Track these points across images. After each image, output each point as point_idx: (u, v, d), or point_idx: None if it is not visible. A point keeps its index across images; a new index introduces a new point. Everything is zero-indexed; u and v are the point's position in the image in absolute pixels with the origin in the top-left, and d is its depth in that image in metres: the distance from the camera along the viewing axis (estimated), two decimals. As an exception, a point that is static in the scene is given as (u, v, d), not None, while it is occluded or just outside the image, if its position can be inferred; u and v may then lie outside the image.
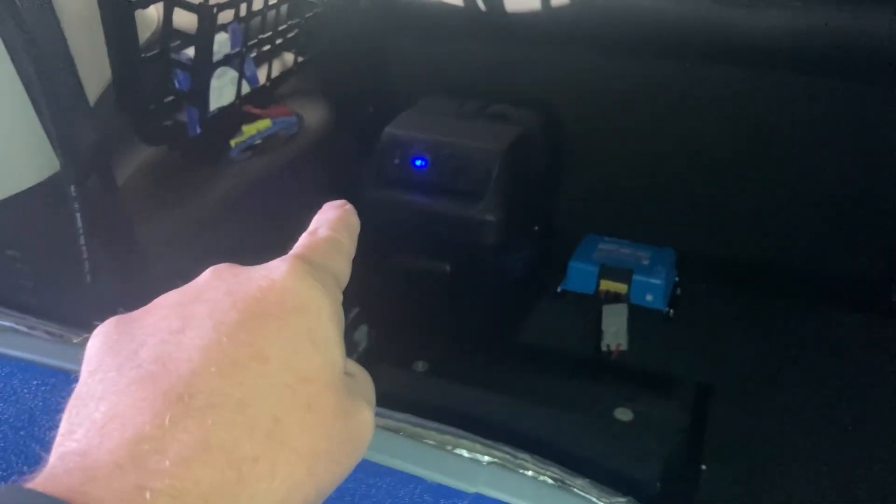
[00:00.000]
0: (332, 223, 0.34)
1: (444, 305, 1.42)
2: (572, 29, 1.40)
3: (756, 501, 1.14)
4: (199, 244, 1.09)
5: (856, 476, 1.17)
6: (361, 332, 1.44)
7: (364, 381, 0.33)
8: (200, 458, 0.23)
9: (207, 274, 0.30)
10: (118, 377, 0.25)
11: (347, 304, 1.13)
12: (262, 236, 1.26)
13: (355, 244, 0.35)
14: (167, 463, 0.23)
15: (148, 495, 0.22)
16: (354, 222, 0.35)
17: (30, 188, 0.77)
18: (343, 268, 0.33)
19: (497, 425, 1.24)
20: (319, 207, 0.35)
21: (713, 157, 1.47)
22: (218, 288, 0.28)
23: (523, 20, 1.39)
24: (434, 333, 1.44)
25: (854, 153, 1.39)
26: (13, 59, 0.69)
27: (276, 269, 0.29)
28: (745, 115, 1.43)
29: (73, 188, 0.76)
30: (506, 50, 1.50)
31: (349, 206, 0.36)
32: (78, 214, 0.77)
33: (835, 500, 1.14)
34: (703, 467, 1.18)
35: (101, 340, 0.27)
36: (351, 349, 1.22)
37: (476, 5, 1.40)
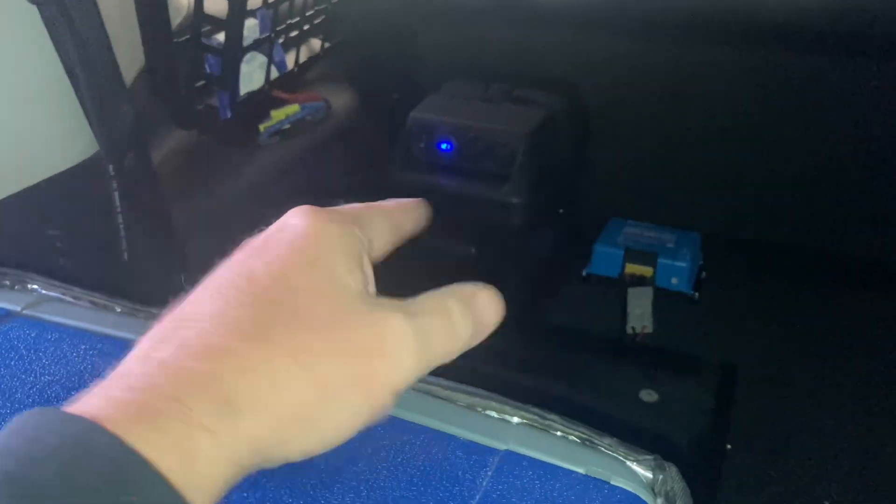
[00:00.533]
0: (387, 201, 0.36)
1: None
2: (597, 12, 1.40)
3: (781, 481, 1.15)
4: (229, 225, 1.11)
5: (881, 456, 1.17)
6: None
7: (421, 301, 0.31)
8: (174, 357, 0.26)
9: None
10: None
11: (375, 287, 1.14)
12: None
13: (410, 220, 0.36)
14: (145, 369, 0.26)
15: (128, 394, 0.25)
16: (414, 205, 0.37)
17: (70, 168, 0.80)
18: (375, 221, 0.33)
19: (522, 405, 1.26)
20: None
21: (738, 140, 1.47)
22: (242, 246, 0.31)
23: (548, 4, 1.40)
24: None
25: (883, 132, 1.39)
26: (55, 44, 0.72)
27: (287, 213, 0.32)
28: (771, 97, 1.43)
29: (111, 168, 0.78)
30: (531, 34, 1.50)
31: (417, 201, 0.38)
32: (116, 193, 0.79)
33: (860, 480, 1.14)
34: (728, 447, 1.19)
35: None
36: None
37: (500, -10, 1.42)
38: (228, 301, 0.27)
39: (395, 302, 0.30)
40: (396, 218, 0.35)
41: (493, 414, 0.52)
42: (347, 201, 0.35)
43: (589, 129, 1.52)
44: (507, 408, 0.52)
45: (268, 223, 0.33)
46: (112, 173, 0.79)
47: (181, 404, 0.25)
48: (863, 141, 1.40)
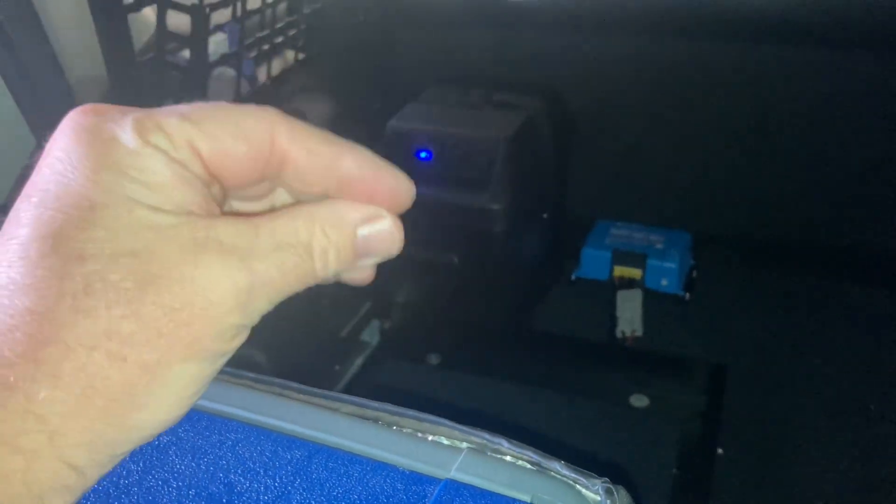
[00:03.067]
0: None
1: (456, 297, 1.42)
2: (575, 13, 1.38)
3: (773, 485, 1.13)
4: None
5: (876, 457, 1.15)
6: (372, 328, 1.44)
7: (262, 232, 0.24)
8: None
9: None
10: None
11: (357, 299, 1.13)
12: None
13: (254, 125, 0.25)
14: None
15: None
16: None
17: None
18: (204, 120, 0.24)
19: (512, 415, 1.24)
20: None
21: (725, 136, 1.45)
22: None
23: (526, 6, 1.38)
24: (446, 325, 1.44)
25: (870, 125, 1.36)
26: (5, 80, 0.70)
27: (57, 133, 0.24)
28: (756, 91, 1.41)
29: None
30: (510, 37, 1.49)
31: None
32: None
33: (855, 482, 1.12)
34: (720, 451, 1.17)
35: None
36: (361, 348, 1.22)
37: (477, -6, 1.40)
38: (16, 281, 0.21)
39: (226, 237, 0.23)
40: (243, 116, 0.25)
41: (442, 440, 0.50)
42: None
43: (572, 131, 1.50)
44: (455, 433, 0.50)
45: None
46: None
47: None
48: (855, 136, 1.38)
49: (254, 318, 0.24)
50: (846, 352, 1.32)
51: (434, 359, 1.38)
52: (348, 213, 0.26)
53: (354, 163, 0.27)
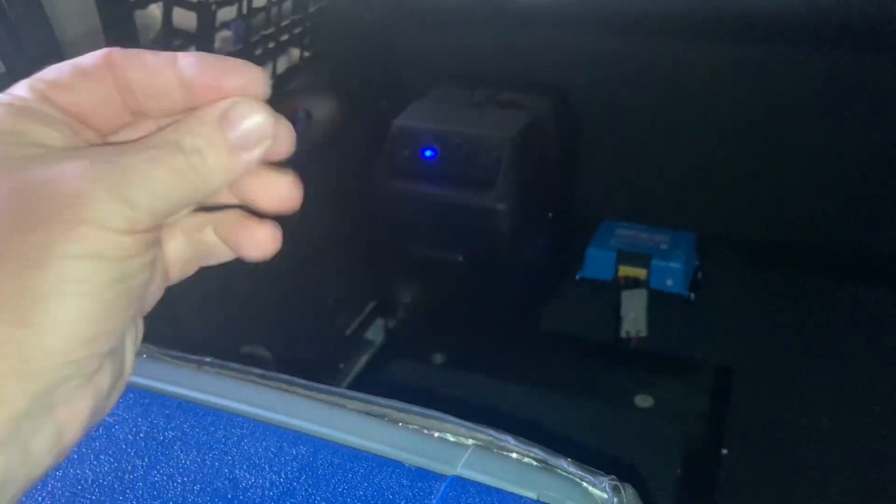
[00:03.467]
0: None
1: (461, 296, 1.42)
2: (582, 12, 1.38)
3: (777, 485, 1.12)
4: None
5: (881, 459, 1.14)
6: (377, 327, 1.44)
7: (144, 141, 0.24)
8: None
9: None
10: None
11: (362, 298, 1.13)
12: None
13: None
14: None
15: None
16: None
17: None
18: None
19: (516, 414, 1.24)
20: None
21: (730, 137, 1.45)
22: None
23: (532, 5, 1.38)
24: (451, 325, 1.44)
25: (875, 126, 1.36)
26: (6, 65, 0.70)
27: None
28: (762, 92, 1.40)
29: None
30: (516, 36, 1.49)
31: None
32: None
33: (859, 483, 1.12)
34: (724, 451, 1.16)
35: None
36: (366, 346, 1.21)
37: (482, -7, 1.40)
38: None
39: (96, 151, 0.23)
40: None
41: (448, 436, 0.50)
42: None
43: (577, 131, 1.49)
44: (461, 430, 0.50)
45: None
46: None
47: None
48: (861, 138, 1.37)
49: (142, 214, 0.22)
50: (851, 353, 1.32)
51: (438, 358, 1.38)
52: (209, 110, 0.25)
53: (189, 64, 0.25)
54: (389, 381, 1.34)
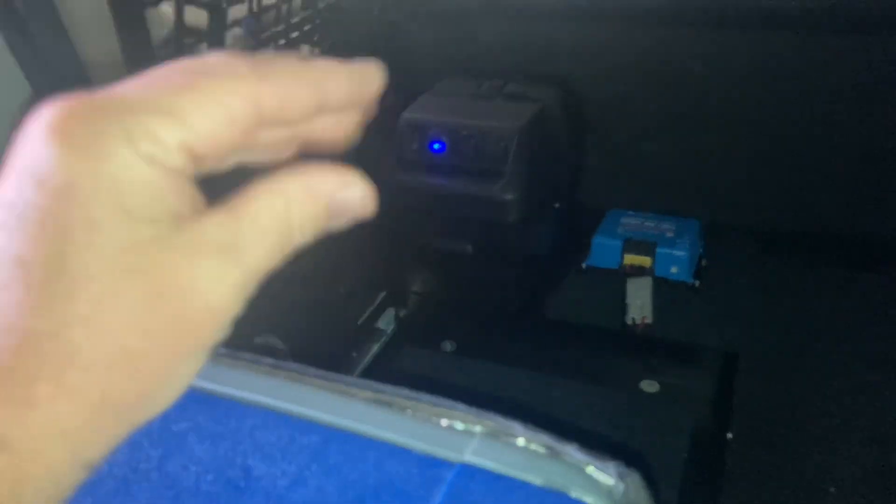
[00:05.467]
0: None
1: (470, 286, 1.44)
2: (587, 2, 1.39)
3: (784, 470, 1.14)
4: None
5: (888, 443, 1.16)
6: (388, 316, 1.46)
7: (243, 219, 0.25)
8: None
9: None
10: None
11: (374, 288, 1.15)
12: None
13: (273, 89, 0.25)
14: None
15: None
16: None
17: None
18: (193, 112, 0.24)
19: (524, 400, 1.26)
20: None
21: (735, 125, 1.46)
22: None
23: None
24: (460, 313, 1.46)
25: (882, 115, 1.36)
26: (20, 63, 0.72)
27: (33, 125, 0.23)
28: (768, 81, 1.41)
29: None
30: (523, 28, 1.50)
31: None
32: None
33: (866, 467, 1.13)
34: (730, 435, 1.18)
35: None
36: (377, 335, 1.24)
37: (488, -15, 1.41)
38: (21, 303, 0.22)
39: (215, 235, 0.24)
40: (237, 90, 0.24)
41: (457, 424, 0.52)
42: None
43: (584, 121, 1.51)
44: (469, 417, 0.52)
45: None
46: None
47: None
48: (866, 126, 1.38)
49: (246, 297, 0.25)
50: (857, 340, 1.33)
51: (448, 346, 1.40)
52: (321, 185, 0.27)
53: (338, 93, 0.27)
54: (401, 368, 1.37)
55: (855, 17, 1.29)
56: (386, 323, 1.46)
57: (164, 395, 0.25)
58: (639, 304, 1.39)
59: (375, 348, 1.42)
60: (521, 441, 0.52)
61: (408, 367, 1.37)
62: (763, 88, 1.42)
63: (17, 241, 0.22)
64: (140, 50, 0.97)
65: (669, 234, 1.46)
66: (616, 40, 1.46)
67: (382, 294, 1.48)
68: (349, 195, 0.28)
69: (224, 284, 0.24)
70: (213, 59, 0.25)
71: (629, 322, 1.40)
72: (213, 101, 0.24)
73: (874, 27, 1.30)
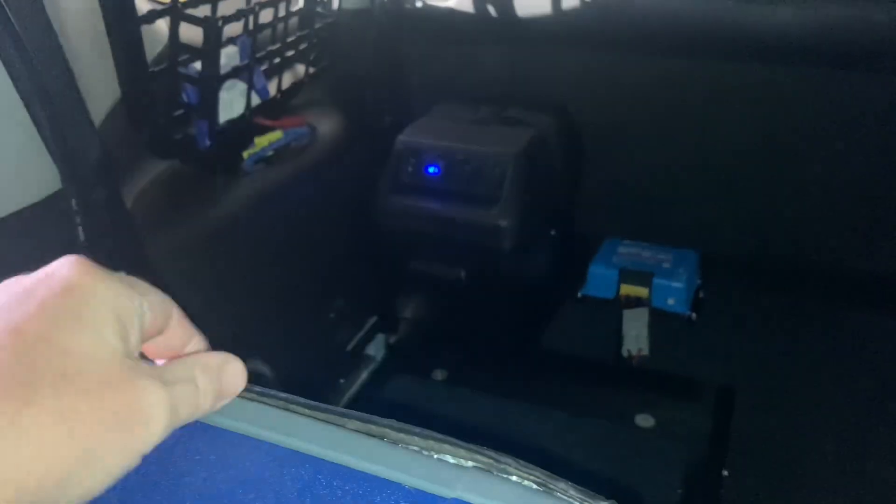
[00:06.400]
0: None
1: (463, 313, 1.42)
2: (584, 30, 1.39)
3: (780, 507, 1.12)
4: (212, 255, 1.10)
5: (883, 481, 1.13)
6: (378, 342, 1.44)
7: (176, 372, 0.32)
8: None
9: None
10: None
11: (364, 313, 1.12)
12: (276, 247, 1.27)
13: (188, 340, 0.36)
14: None
15: None
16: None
17: (34, 203, 0.78)
18: (155, 300, 0.33)
19: (517, 432, 1.24)
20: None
21: (734, 157, 1.45)
22: (2, 287, 0.30)
23: (535, 23, 1.38)
24: (453, 341, 1.44)
25: (879, 148, 1.36)
26: (12, 77, 0.70)
27: (57, 261, 0.30)
28: (765, 112, 1.41)
29: (73, 202, 0.76)
30: (520, 54, 1.49)
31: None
32: (80, 228, 0.78)
33: (862, 504, 1.11)
34: (725, 473, 1.16)
35: None
36: (366, 362, 1.21)
37: (487, 10, 1.40)
38: (7, 361, 0.26)
39: (152, 370, 0.31)
40: (173, 311, 0.35)
41: (448, 458, 0.50)
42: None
43: (581, 149, 1.50)
44: (461, 451, 0.50)
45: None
46: (76, 208, 0.77)
47: None
48: (865, 160, 1.37)
49: (170, 430, 0.31)
50: (854, 375, 1.31)
51: (439, 374, 1.37)
52: (213, 358, 0.35)
53: (194, 345, 0.37)
54: (390, 397, 1.34)
55: (854, 54, 1.28)
56: (376, 349, 1.43)
57: (87, 481, 0.28)
58: (634, 335, 1.37)
59: (364, 375, 1.40)
60: (514, 477, 0.50)
61: (397, 396, 1.34)
62: (761, 122, 1.41)
63: (17, 314, 0.28)
64: (134, 66, 0.96)
65: (667, 265, 1.44)
66: (615, 69, 1.45)
67: (372, 319, 1.46)
68: (232, 368, 0.36)
69: (163, 413, 0.30)
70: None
71: (625, 354, 1.37)
72: (164, 306, 0.34)
73: (873, 65, 1.30)
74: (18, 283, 0.29)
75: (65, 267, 0.30)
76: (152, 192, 1.05)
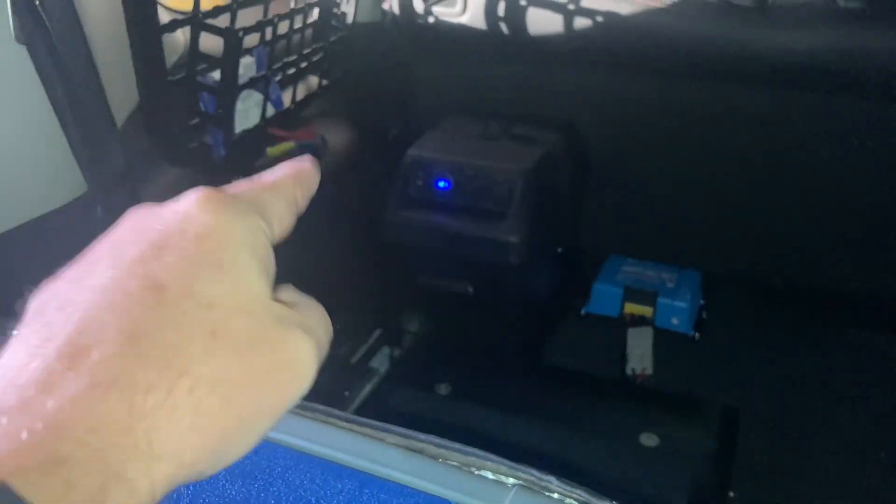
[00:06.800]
0: (278, 171, 0.33)
1: (468, 327, 1.42)
2: (593, 50, 1.40)
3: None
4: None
5: (888, 502, 1.14)
6: (383, 355, 1.43)
7: (308, 313, 0.30)
8: (87, 394, 0.23)
9: (123, 217, 0.29)
10: (28, 334, 0.25)
11: (369, 326, 1.12)
12: (285, 257, 1.26)
13: (303, 195, 0.33)
14: (51, 403, 0.22)
15: (25, 434, 0.22)
16: (307, 174, 0.33)
17: (58, 208, 0.78)
18: (275, 205, 0.31)
19: (520, 449, 1.23)
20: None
21: (738, 178, 1.46)
22: (126, 227, 0.28)
23: (545, 42, 1.39)
24: (457, 355, 1.43)
25: (881, 171, 1.37)
26: (44, 84, 0.70)
27: (184, 199, 0.28)
28: (769, 134, 1.42)
29: (99, 208, 0.76)
30: (530, 71, 1.50)
31: (308, 161, 0.34)
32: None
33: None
34: (731, 494, 1.16)
35: (31, 305, 0.26)
36: (371, 375, 1.21)
37: (499, 28, 1.41)
38: (135, 318, 0.24)
39: (296, 316, 0.29)
40: (293, 194, 0.32)
41: (489, 475, 0.50)
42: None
43: (588, 167, 1.50)
44: (502, 468, 0.50)
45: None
46: (100, 214, 0.77)
47: (94, 450, 0.22)
48: (866, 178, 1.39)
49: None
50: (855, 395, 1.32)
51: (443, 388, 1.37)
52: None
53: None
54: (394, 410, 1.34)
55: (855, 79, 1.30)
56: (380, 362, 1.43)
57: (241, 445, 0.26)
58: (639, 354, 1.38)
59: (368, 388, 1.39)
60: (556, 495, 0.50)
61: (401, 409, 1.34)
62: (765, 143, 1.42)
63: (155, 266, 0.26)
64: (154, 74, 0.96)
65: (670, 285, 1.45)
66: (622, 89, 1.47)
67: (377, 332, 1.45)
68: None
69: (311, 354, 0.28)
70: (264, 181, 0.32)
71: (629, 372, 1.38)
72: (287, 207, 0.32)
73: (876, 89, 1.31)
74: (150, 226, 0.27)
75: (196, 206, 0.27)
76: (165, 198, 1.05)
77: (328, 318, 0.31)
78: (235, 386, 0.25)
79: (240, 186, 0.31)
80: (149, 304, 0.25)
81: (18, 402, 0.22)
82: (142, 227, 0.27)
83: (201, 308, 0.25)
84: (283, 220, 0.31)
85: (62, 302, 0.25)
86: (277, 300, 0.28)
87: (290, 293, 0.30)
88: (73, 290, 0.25)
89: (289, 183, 0.32)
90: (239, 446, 0.26)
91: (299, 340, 0.27)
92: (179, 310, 0.25)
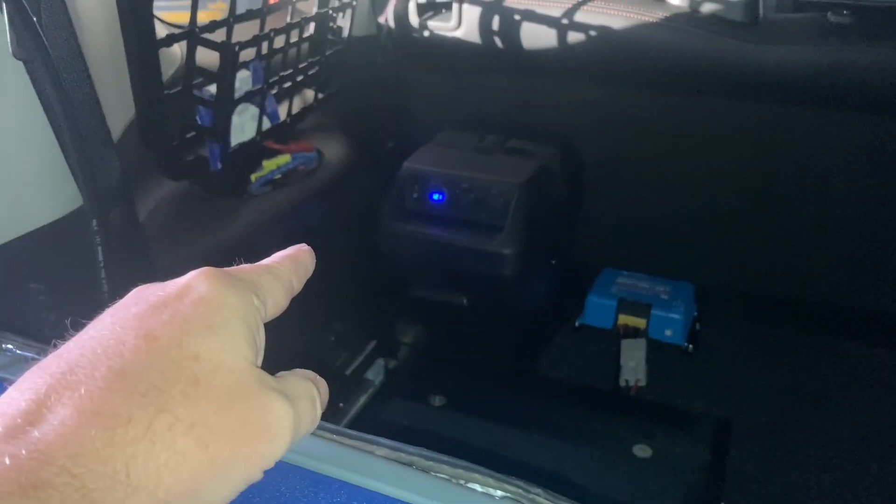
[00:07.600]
0: (277, 256, 0.36)
1: (462, 338, 1.42)
2: (588, 64, 1.41)
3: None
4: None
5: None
6: (377, 367, 1.44)
7: (292, 382, 0.32)
8: (71, 423, 0.24)
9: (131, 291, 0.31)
10: (26, 377, 0.27)
11: (363, 338, 1.13)
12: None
13: (299, 278, 0.36)
14: (36, 433, 0.24)
15: (7, 460, 0.23)
16: (304, 260, 0.37)
17: (53, 222, 0.79)
18: (271, 286, 0.33)
19: (514, 461, 1.24)
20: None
21: (733, 191, 1.47)
22: (131, 295, 0.30)
23: (540, 56, 1.40)
24: (451, 367, 1.44)
25: (875, 186, 1.38)
26: (40, 97, 0.71)
27: (187, 275, 0.31)
28: (764, 148, 1.43)
29: (94, 222, 0.77)
30: (524, 85, 1.51)
31: (306, 248, 0.37)
32: (99, 248, 0.78)
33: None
34: (723, 505, 1.17)
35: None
36: (365, 386, 1.21)
37: (494, 42, 1.42)
38: (126, 360, 0.26)
39: (277, 382, 0.31)
40: (289, 278, 0.35)
41: (477, 487, 0.50)
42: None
43: (583, 180, 1.51)
44: (490, 480, 0.50)
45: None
46: (96, 227, 0.78)
47: (74, 476, 0.23)
48: (860, 193, 1.40)
49: (292, 446, 0.31)
50: (848, 408, 1.33)
51: (438, 400, 1.38)
52: (315, 376, 0.35)
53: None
54: (388, 421, 1.34)
55: (851, 93, 1.31)
56: (375, 374, 1.44)
57: (211, 493, 0.27)
58: (632, 365, 1.38)
59: (363, 399, 1.40)
60: (543, 507, 0.51)
61: (395, 421, 1.35)
62: (760, 156, 1.44)
63: (152, 321, 0.28)
64: (150, 88, 0.97)
65: (664, 297, 1.46)
66: (617, 103, 1.48)
67: (372, 343, 1.46)
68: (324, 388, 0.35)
69: (288, 416, 0.30)
70: (263, 265, 0.35)
71: (622, 384, 1.39)
72: (283, 290, 0.34)
73: (871, 103, 1.33)
74: (152, 293, 0.30)
75: (195, 278, 0.30)
76: (161, 211, 1.06)
77: (315, 393, 0.33)
78: (210, 430, 0.27)
79: (241, 268, 0.33)
80: (140, 351, 0.27)
81: (5, 430, 0.24)
82: (145, 294, 0.30)
83: (187, 358, 0.27)
84: (277, 301, 0.34)
85: (61, 351, 0.27)
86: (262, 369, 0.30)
87: (281, 372, 0.32)
88: (74, 341, 0.28)
89: (286, 267, 0.35)
90: (211, 492, 0.27)
91: (277, 402, 0.29)
92: (167, 357, 0.27)
